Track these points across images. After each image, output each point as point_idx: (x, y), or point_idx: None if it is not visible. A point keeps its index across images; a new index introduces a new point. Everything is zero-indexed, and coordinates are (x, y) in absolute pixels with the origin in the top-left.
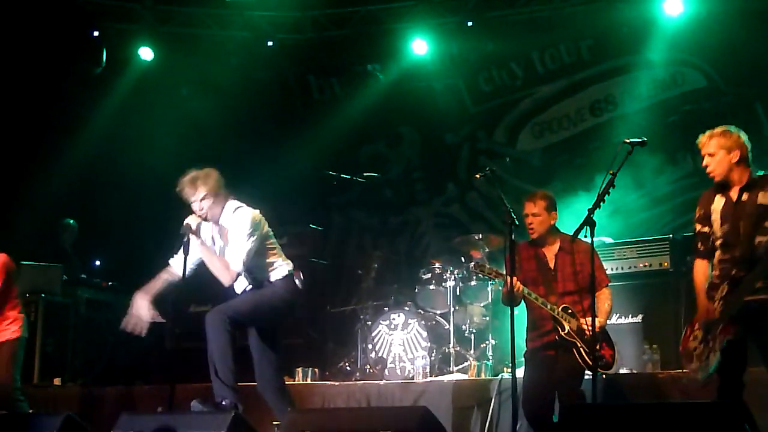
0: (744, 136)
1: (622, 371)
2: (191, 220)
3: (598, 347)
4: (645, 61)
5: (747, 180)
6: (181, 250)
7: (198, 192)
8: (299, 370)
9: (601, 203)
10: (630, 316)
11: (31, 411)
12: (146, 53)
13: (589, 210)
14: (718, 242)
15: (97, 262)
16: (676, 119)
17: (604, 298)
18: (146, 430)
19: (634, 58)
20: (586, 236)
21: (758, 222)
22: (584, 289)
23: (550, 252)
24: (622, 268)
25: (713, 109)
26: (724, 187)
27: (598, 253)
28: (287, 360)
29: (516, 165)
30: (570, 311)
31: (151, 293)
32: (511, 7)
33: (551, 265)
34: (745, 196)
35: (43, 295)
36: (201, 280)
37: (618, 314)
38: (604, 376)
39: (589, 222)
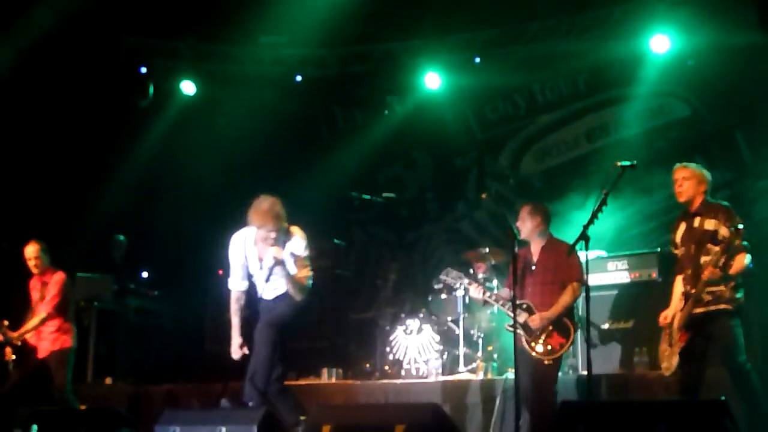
0: (708, 173)
1: (616, 371)
2: (277, 253)
3: (544, 335)
4: (635, 92)
5: (698, 207)
6: (268, 277)
7: (275, 221)
8: (324, 370)
9: (595, 220)
10: (622, 322)
11: (83, 407)
12: (188, 87)
13: (584, 226)
14: (680, 263)
15: (145, 274)
16: (664, 145)
17: (569, 291)
18: (186, 424)
19: (625, 90)
20: (581, 250)
21: (702, 245)
22: (557, 283)
23: (536, 251)
24: (614, 279)
25: (697, 135)
26: (686, 214)
27: (591, 265)
28: (314, 361)
29: (519, 186)
30: (525, 306)
31: (239, 333)
32: (515, 44)
33: (534, 260)
34: (697, 222)
35: (96, 303)
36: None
37: (611, 320)
38: (546, 362)
39: (584, 236)
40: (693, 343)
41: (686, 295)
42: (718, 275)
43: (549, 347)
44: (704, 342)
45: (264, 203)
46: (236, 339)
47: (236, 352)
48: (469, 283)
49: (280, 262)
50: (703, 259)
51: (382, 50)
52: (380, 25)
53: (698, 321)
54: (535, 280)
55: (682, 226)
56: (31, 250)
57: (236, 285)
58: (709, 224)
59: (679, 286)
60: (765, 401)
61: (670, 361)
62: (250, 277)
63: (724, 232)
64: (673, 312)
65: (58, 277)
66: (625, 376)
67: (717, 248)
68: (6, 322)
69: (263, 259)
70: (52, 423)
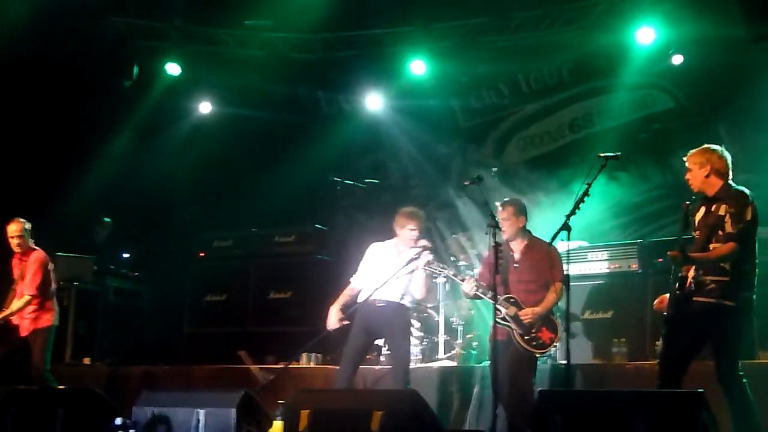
0: (718, 153)
1: (594, 361)
2: (426, 242)
3: (534, 330)
4: (619, 83)
5: (716, 192)
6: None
7: (418, 221)
8: (304, 354)
9: (577, 210)
10: (600, 312)
11: (61, 387)
12: (173, 68)
13: (566, 216)
14: (693, 247)
15: (126, 255)
16: (646, 136)
17: (554, 290)
18: (164, 406)
19: (609, 81)
20: (563, 240)
21: (714, 230)
22: (539, 281)
23: (517, 249)
24: (594, 269)
25: (680, 128)
26: (706, 199)
27: (572, 255)
28: (294, 346)
29: (503, 175)
30: (512, 300)
31: (340, 306)
32: (500, 33)
33: (516, 258)
34: (713, 207)
35: (75, 283)
36: (216, 273)
37: (590, 310)
38: (537, 355)
39: (566, 227)
40: (676, 329)
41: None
42: (677, 258)
43: (540, 341)
44: (698, 336)
45: (410, 208)
46: (336, 314)
47: (334, 324)
48: (456, 276)
49: (428, 248)
50: (712, 245)
51: (368, 36)
52: (367, 11)
53: (696, 310)
54: (519, 277)
55: (702, 210)
56: (13, 228)
57: (357, 282)
58: (723, 210)
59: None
60: (754, 413)
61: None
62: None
63: (727, 217)
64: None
65: (36, 256)
66: (603, 367)
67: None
68: None
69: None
70: (30, 402)
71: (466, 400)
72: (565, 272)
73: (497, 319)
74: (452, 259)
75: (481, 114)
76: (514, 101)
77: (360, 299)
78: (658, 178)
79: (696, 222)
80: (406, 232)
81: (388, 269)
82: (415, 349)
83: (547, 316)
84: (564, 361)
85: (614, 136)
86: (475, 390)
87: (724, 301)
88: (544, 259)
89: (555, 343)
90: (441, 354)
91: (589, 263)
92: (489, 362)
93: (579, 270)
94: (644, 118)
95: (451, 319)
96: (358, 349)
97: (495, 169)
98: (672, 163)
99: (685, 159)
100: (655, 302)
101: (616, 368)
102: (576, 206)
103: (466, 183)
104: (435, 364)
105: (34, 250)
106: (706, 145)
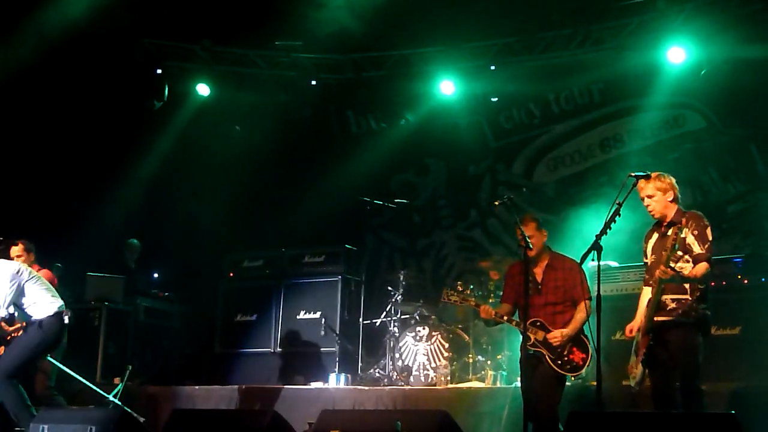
0: (673, 180)
1: (625, 383)
2: None
3: (566, 353)
4: (650, 103)
5: (672, 217)
6: None
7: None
8: (333, 375)
9: (608, 230)
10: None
11: (91, 406)
12: (203, 89)
13: (596, 236)
14: (649, 272)
15: (156, 275)
16: (678, 156)
17: (582, 309)
18: (194, 425)
19: (640, 101)
20: (593, 260)
21: (673, 252)
22: (567, 302)
23: (539, 268)
24: (625, 290)
25: (711, 147)
26: (659, 224)
27: (601, 275)
28: (322, 366)
29: (532, 195)
30: (539, 323)
31: None
32: (530, 53)
33: (539, 279)
34: (670, 231)
35: (106, 303)
36: (246, 294)
37: (620, 331)
38: (572, 378)
39: (596, 247)
40: (655, 352)
41: (649, 301)
42: (669, 275)
43: (573, 363)
44: (666, 351)
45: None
46: None
47: None
48: (476, 305)
49: None
50: (678, 267)
51: (397, 57)
52: (396, 32)
53: (660, 329)
54: (545, 300)
55: (654, 236)
56: (15, 250)
57: None
58: (684, 233)
59: (645, 295)
60: None
61: (635, 372)
62: None
63: (690, 239)
64: (638, 323)
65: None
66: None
67: (686, 256)
68: None
69: None
70: (61, 422)
71: (497, 421)
72: (593, 291)
73: (527, 345)
74: (482, 279)
75: (511, 134)
76: (545, 121)
77: None
78: (689, 198)
79: (650, 248)
80: None
81: None
82: (445, 370)
83: (577, 336)
84: (595, 383)
85: (645, 156)
86: (506, 411)
87: (682, 317)
88: (567, 278)
89: (588, 364)
90: (471, 375)
91: (621, 283)
92: (519, 383)
93: (609, 290)
94: (675, 137)
95: (480, 340)
96: None
97: (525, 189)
98: (702, 184)
99: (639, 187)
100: (626, 330)
101: (648, 389)
102: (607, 226)
103: (496, 204)
104: (465, 385)
105: (41, 269)
106: (658, 172)
